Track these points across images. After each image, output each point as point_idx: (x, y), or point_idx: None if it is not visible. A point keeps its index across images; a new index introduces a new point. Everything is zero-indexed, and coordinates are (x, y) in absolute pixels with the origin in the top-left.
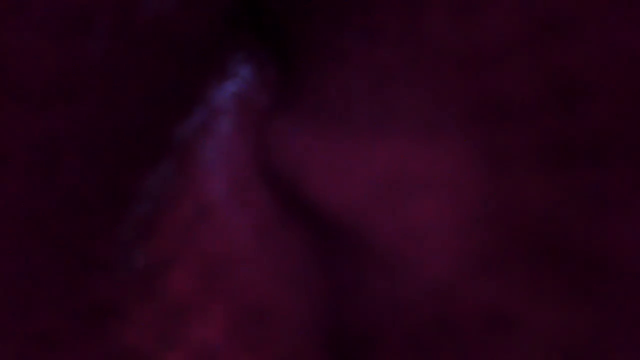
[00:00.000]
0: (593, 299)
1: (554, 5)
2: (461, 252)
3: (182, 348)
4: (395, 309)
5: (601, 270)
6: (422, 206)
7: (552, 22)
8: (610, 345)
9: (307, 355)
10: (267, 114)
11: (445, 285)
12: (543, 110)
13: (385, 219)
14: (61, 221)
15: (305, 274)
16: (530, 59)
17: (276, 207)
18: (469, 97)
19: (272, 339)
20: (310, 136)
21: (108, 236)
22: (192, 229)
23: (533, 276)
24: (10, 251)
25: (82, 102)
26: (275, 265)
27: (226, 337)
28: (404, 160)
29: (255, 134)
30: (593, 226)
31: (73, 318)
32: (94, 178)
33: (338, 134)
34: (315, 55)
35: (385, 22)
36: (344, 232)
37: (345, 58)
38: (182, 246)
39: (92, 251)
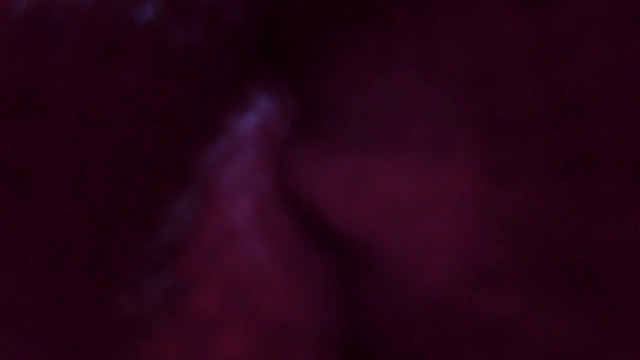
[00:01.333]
0: (587, 307)
1: (551, 31)
2: (462, 267)
3: None
4: (400, 321)
5: (595, 278)
6: (428, 225)
7: (551, 46)
8: (604, 351)
9: None
10: (286, 142)
11: (446, 297)
12: (545, 128)
13: (394, 239)
14: (91, 242)
15: (322, 292)
16: (531, 81)
17: (296, 230)
18: (476, 117)
19: (292, 354)
20: (326, 161)
21: (136, 257)
22: (216, 251)
23: (530, 287)
24: (44, 269)
25: (113, 129)
26: (295, 285)
27: (248, 353)
28: (413, 181)
29: (276, 161)
30: (587, 237)
31: (101, 333)
32: (123, 202)
33: (353, 158)
34: (331, 83)
35: (400, 48)
36: (357, 251)
37: (361, 83)
38: (207, 268)
39: (121, 271)
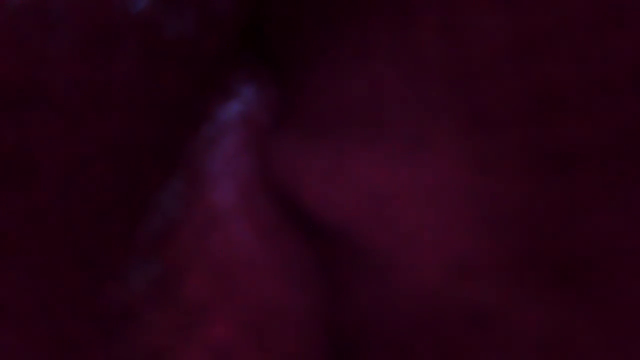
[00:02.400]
0: (570, 297)
1: (532, 25)
2: (443, 257)
3: (197, 348)
4: (384, 310)
5: (577, 269)
6: (406, 214)
7: (531, 40)
8: (587, 339)
9: (310, 351)
10: (268, 130)
11: (431, 289)
12: (526, 121)
13: (374, 227)
14: (81, 232)
15: (307, 276)
16: (511, 74)
17: (279, 215)
18: (455, 109)
19: (278, 338)
20: (305, 150)
21: (125, 246)
22: (203, 236)
23: (513, 278)
24: (36, 261)
25: (108, 117)
26: (280, 267)
27: (235, 337)
28: (391, 169)
29: (258, 149)
30: (569, 229)
31: (93, 324)
32: (114, 192)
33: (331, 147)
34: (311, 73)
35: (379, 39)
36: (339, 238)
37: (340, 74)
38: (194, 252)
39: (110, 260)
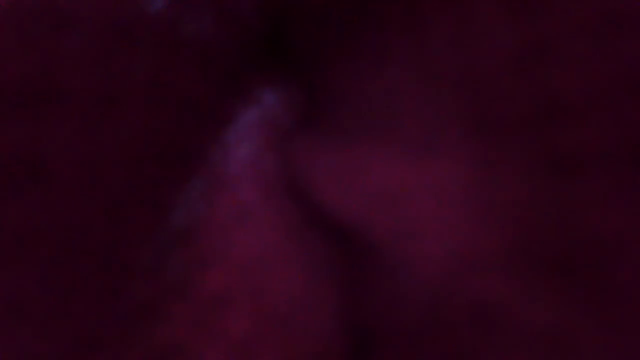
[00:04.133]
0: (573, 292)
1: (537, 32)
2: (452, 252)
3: (218, 341)
4: (395, 303)
5: (579, 265)
6: (416, 212)
7: (536, 47)
8: (588, 333)
9: (329, 345)
10: (288, 132)
11: (438, 283)
12: (530, 126)
13: (385, 225)
14: (104, 229)
15: (326, 272)
16: (517, 81)
17: (299, 214)
18: (465, 114)
19: (300, 329)
20: (322, 152)
21: (148, 243)
22: (226, 232)
23: (518, 274)
24: (58, 259)
25: (126, 117)
26: (301, 264)
27: (259, 328)
28: (402, 170)
29: (278, 150)
30: (571, 228)
31: (116, 320)
32: (135, 190)
33: (347, 149)
34: (330, 77)
35: (395, 46)
36: (354, 236)
37: (357, 78)
38: (216, 248)
39: (134, 257)
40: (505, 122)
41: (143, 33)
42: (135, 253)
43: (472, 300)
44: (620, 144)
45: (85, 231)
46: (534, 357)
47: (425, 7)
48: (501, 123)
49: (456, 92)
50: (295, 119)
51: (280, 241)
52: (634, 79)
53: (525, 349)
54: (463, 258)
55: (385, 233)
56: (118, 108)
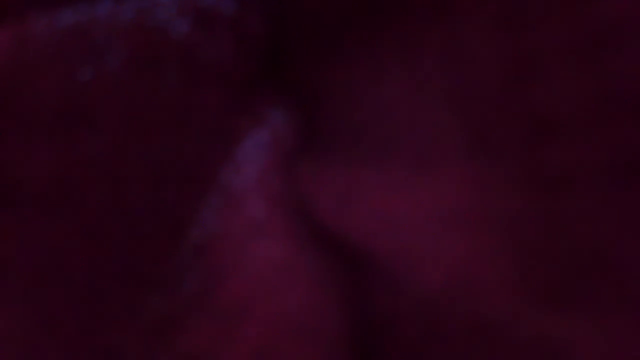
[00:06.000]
0: (575, 308)
1: (525, 50)
2: (450, 272)
3: (238, 348)
4: (395, 319)
5: (575, 280)
6: (414, 235)
7: (524, 65)
8: (591, 349)
9: (338, 354)
10: (293, 153)
11: (436, 300)
12: (521, 144)
13: (385, 246)
14: (125, 246)
15: (329, 285)
16: (508, 100)
17: (303, 230)
18: (459, 134)
19: (308, 335)
20: (321, 174)
21: (168, 259)
22: (240, 248)
23: (514, 289)
24: (79, 276)
25: (150, 138)
26: (309, 276)
27: (273, 335)
28: (400, 193)
29: (284, 169)
30: (569, 244)
31: (138, 335)
32: (153, 206)
33: (346, 170)
34: (328, 98)
35: (388, 67)
36: (354, 254)
37: (355, 100)
38: (233, 263)
39: (154, 274)
40: (497, 141)
41: (166, 56)
42: (154, 269)
43: (470, 316)
44: (610, 161)
45: (109, 248)
46: None
47: (415, 24)
48: (493, 141)
49: (448, 111)
50: (299, 139)
51: (288, 255)
52: (622, 96)
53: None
54: (460, 277)
55: (384, 254)
56: (142, 130)
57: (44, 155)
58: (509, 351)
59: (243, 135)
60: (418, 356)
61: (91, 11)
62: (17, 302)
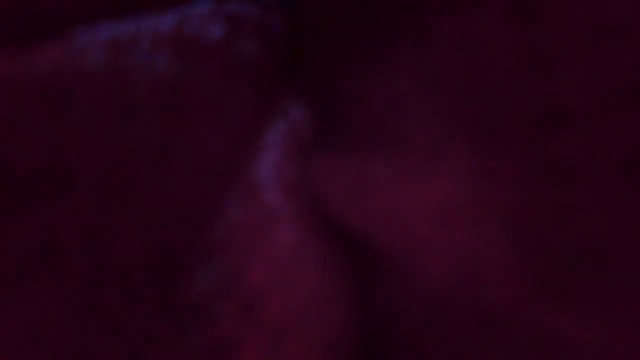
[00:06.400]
0: (578, 300)
1: (537, 42)
2: (456, 263)
3: (260, 332)
4: (402, 308)
5: (582, 274)
6: (424, 227)
7: (536, 57)
8: (594, 341)
9: (344, 339)
10: (309, 144)
11: (443, 291)
12: (530, 135)
13: (393, 238)
14: (155, 241)
15: (338, 272)
16: (519, 91)
17: (317, 219)
18: (470, 125)
19: (319, 319)
20: (333, 166)
21: (194, 249)
22: (259, 236)
23: (519, 280)
24: (114, 270)
25: (190, 127)
26: (321, 263)
27: (288, 319)
28: (410, 184)
29: (299, 161)
30: (573, 236)
31: (169, 320)
32: (178, 198)
33: (358, 162)
34: (342, 93)
35: (402, 59)
36: (364, 244)
37: (368, 92)
38: (252, 249)
39: (182, 263)
40: (507, 133)
41: (206, 58)
42: (185, 259)
43: (476, 306)
44: (617, 153)
45: (140, 242)
46: (538, 359)
47: (431, 17)
48: (502, 134)
49: (461, 103)
50: (315, 132)
51: (302, 241)
52: (630, 88)
53: (529, 351)
54: (467, 269)
55: (392, 246)
56: (184, 121)
57: (99, 142)
58: (513, 342)
59: (266, 128)
60: (424, 346)
61: (137, 24)
62: (69, 286)
